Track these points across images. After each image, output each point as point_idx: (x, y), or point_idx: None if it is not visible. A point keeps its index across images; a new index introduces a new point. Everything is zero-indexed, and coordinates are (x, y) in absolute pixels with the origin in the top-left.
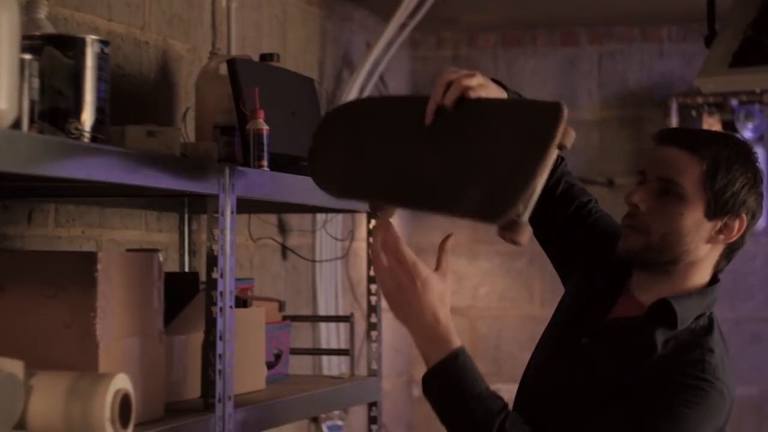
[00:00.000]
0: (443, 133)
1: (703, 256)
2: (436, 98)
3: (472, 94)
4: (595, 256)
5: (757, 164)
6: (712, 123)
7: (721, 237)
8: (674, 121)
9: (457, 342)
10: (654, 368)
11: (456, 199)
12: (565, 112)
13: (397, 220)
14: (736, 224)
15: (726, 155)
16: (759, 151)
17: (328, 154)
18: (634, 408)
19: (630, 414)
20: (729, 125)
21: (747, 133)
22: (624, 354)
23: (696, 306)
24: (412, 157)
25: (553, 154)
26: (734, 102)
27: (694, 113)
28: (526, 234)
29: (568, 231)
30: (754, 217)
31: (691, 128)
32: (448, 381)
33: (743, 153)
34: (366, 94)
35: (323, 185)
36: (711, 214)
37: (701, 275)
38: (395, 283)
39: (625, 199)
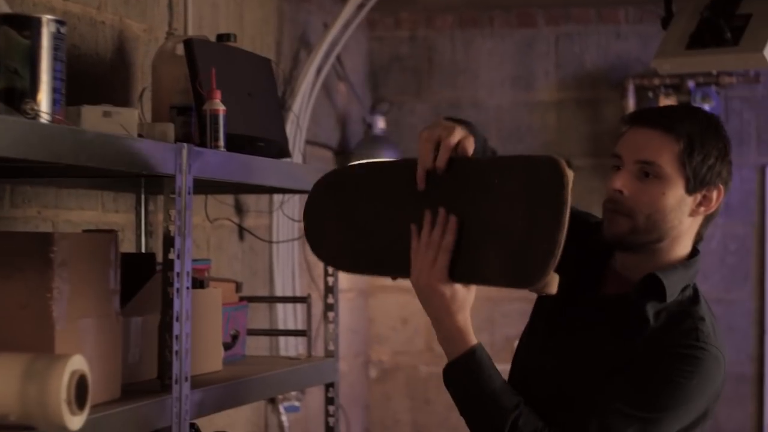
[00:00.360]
0: (441, 197)
1: (685, 230)
2: (426, 163)
3: (460, 152)
4: (572, 240)
5: (726, 134)
6: (668, 104)
7: (702, 209)
8: (631, 103)
9: (473, 340)
10: (649, 341)
11: (477, 267)
12: (564, 167)
13: None
14: (714, 195)
15: (699, 131)
16: None
17: (326, 231)
18: (634, 382)
19: (630, 387)
20: None
21: None
22: (619, 328)
23: (681, 278)
24: (415, 224)
25: (568, 214)
26: (691, 83)
27: (650, 95)
28: (557, 283)
29: None
30: (727, 185)
31: (661, 106)
32: (465, 375)
33: (713, 125)
34: (323, 74)
35: (332, 263)
36: (691, 189)
37: (683, 248)
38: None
39: (608, 185)
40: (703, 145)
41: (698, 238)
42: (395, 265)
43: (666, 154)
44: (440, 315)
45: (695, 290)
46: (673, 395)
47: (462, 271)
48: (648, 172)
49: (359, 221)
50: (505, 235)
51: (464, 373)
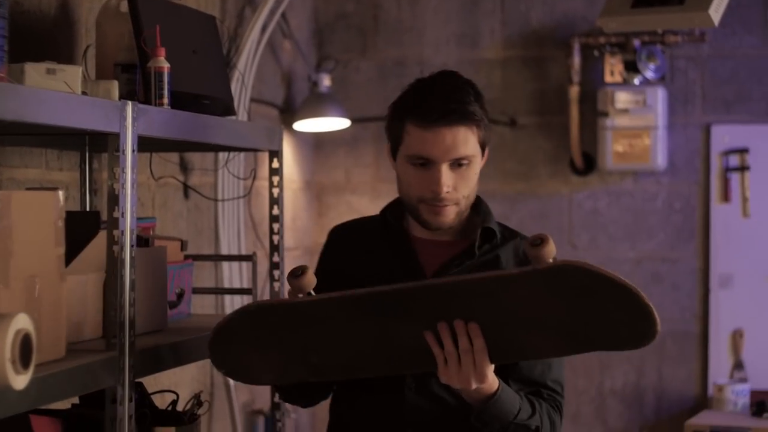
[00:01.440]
0: (434, 312)
1: None
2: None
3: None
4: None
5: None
6: (614, 63)
7: (483, 160)
8: (576, 61)
9: (495, 385)
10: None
11: (524, 351)
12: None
13: (299, 164)
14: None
15: (481, 104)
16: (660, 91)
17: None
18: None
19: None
20: (631, 65)
21: (649, 73)
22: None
23: (493, 220)
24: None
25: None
26: (636, 42)
27: (596, 53)
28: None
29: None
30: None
31: (443, 94)
32: (493, 417)
33: (476, 89)
34: (268, 32)
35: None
36: (483, 153)
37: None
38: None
39: (433, 190)
40: (486, 114)
41: None
42: (372, 367)
43: (471, 143)
44: (480, 396)
45: (503, 225)
46: None
47: (501, 356)
48: (461, 164)
49: (299, 342)
50: (556, 322)
51: (494, 417)
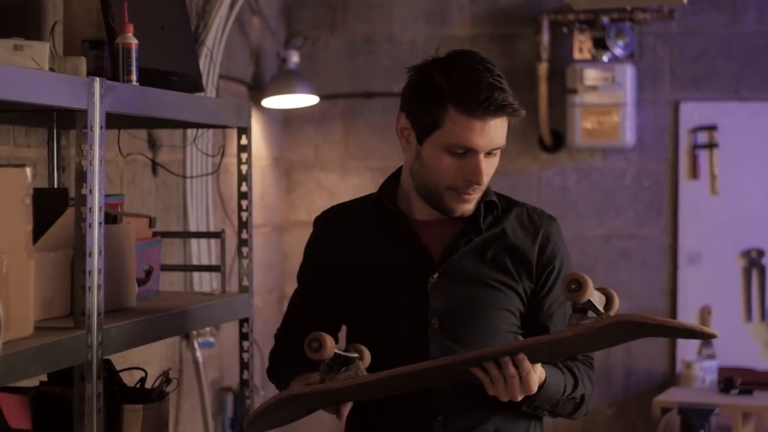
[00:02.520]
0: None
1: None
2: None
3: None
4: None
5: None
6: (582, 40)
7: None
8: (545, 38)
9: (542, 378)
10: (523, 249)
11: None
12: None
13: (268, 141)
14: None
15: (510, 90)
16: (628, 68)
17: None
18: (552, 284)
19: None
20: (600, 42)
21: (618, 50)
22: (495, 254)
23: (492, 192)
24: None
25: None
26: (605, 19)
27: (565, 30)
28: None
29: None
30: None
31: (487, 82)
32: (543, 403)
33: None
34: (236, 8)
35: None
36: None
37: None
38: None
39: (471, 180)
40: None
41: None
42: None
43: (505, 132)
44: None
45: (499, 194)
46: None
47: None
48: (493, 153)
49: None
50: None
51: (544, 402)
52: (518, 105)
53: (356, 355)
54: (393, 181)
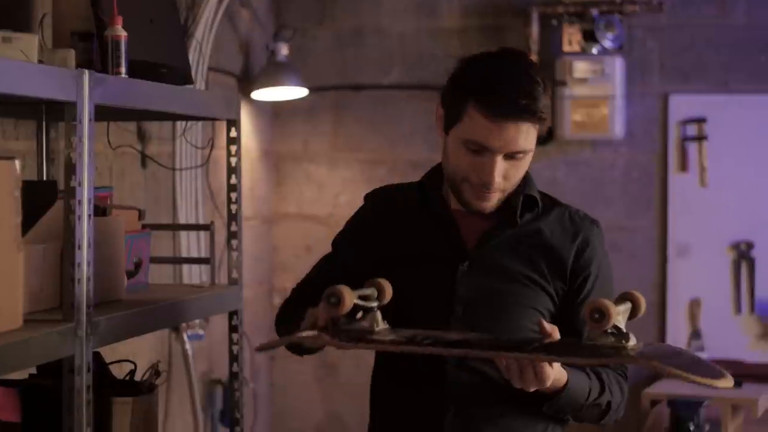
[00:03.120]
0: None
1: None
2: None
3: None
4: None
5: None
6: (572, 32)
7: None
8: (535, 31)
9: (563, 380)
10: (562, 250)
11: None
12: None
13: (257, 133)
14: None
15: (545, 94)
16: (618, 60)
17: None
18: (589, 289)
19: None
20: (589, 35)
21: (607, 43)
22: (529, 251)
23: (535, 188)
24: None
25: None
26: (594, 12)
27: (554, 22)
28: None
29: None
30: None
31: (514, 85)
32: (565, 406)
33: (540, 73)
34: (226, 1)
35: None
36: (540, 138)
37: None
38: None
39: (483, 179)
40: (546, 103)
41: None
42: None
43: (532, 137)
44: (550, 390)
45: (543, 194)
46: (611, 279)
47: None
48: (516, 156)
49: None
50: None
51: (566, 405)
52: (544, 112)
53: (374, 304)
54: (438, 168)
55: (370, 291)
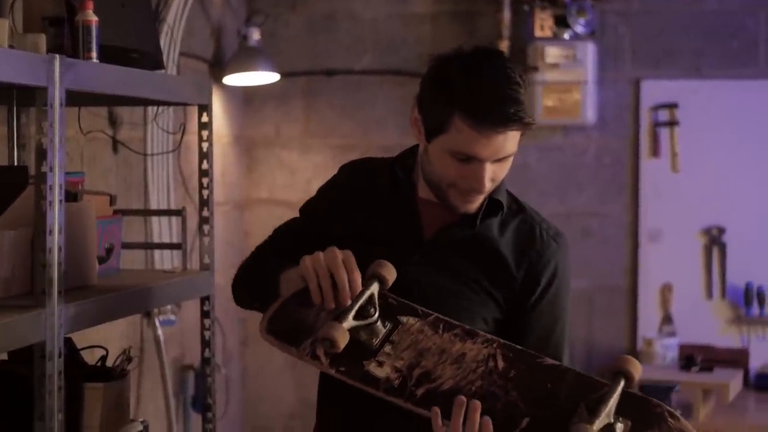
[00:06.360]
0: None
1: None
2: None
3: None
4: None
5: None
6: (544, 18)
7: None
8: (507, 16)
9: None
10: (513, 258)
11: None
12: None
13: (229, 119)
14: None
15: (526, 96)
16: (590, 46)
17: None
18: (536, 299)
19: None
20: (561, 20)
21: (579, 28)
22: (481, 255)
23: (503, 191)
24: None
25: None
26: None
27: (526, 8)
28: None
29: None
30: None
31: (498, 91)
32: None
33: (521, 73)
34: None
35: None
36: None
37: None
38: None
39: (473, 186)
40: (530, 103)
41: None
42: None
43: (517, 140)
44: None
45: (513, 197)
46: (567, 301)
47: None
48: (502, 159)
49: None
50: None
51: None
52: (530, 117)
53: (373, 319)
54: (414, 150)
55: (370, 289)
